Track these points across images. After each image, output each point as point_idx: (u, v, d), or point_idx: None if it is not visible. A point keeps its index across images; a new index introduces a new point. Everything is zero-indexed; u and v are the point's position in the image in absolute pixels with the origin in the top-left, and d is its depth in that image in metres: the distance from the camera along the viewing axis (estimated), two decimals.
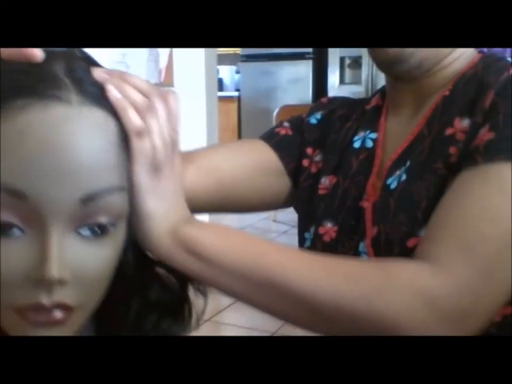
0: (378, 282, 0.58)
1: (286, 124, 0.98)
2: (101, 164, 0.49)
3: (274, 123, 4.23)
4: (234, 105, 6.34)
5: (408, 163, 0.77)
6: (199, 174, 0.84)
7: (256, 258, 0.59)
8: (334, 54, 5.69)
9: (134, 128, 0.54)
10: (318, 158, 0.93)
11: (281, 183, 0.93)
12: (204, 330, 0.64)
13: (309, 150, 0.94)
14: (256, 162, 0.92)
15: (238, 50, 6.25)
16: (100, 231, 0.51)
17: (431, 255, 0.61)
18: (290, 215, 4.82)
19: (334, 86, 5.71)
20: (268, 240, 0.63)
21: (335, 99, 1.01)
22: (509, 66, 0.75)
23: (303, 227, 0.91)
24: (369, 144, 0.86)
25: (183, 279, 0.60)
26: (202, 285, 0.61)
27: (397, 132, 0.84)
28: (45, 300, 0.47)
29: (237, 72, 6.71)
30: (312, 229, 0.88)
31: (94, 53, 0.57)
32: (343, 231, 0.82)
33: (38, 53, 0.50)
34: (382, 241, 0.75)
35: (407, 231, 0.72)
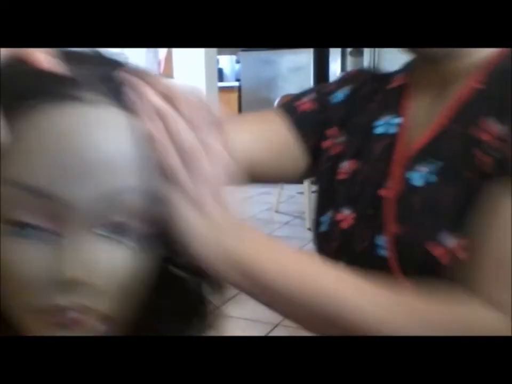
0: (453, 329, 0.57)
1: (310, 96, 0.93)
2: (119, 162, 0.48)
3: None
4: (234, 95, 6.31)
5: (438, 162, 0.74)
6: None
7: (316, 291, 0.56)
8: None
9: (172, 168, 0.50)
10: (340, 139, 0.88)
11: (299, 159, 0.90)
12: None
13: (331, 131, 0.89)
14: (273, 137, 0.89)
15: None
16: (116, 230, 0.50)
17: (494, 300, 0.60)
18: (292, 205, 4.83)
19: (336, 75, 5.59)
20: (327, 265, 0.59)
21: (360, 73, 0.96)
22: None
23: (320, 210, 0.88)
24: (392, 129, 0.82)
25: (200, 280, 0.58)
26: (218, 285, 0.59)
27: (420, 117, 0.81)
28: (62, 300, 0.47)
29: (237, 61, 6.68)
30: (329, 213, 0.85)
31: None
32: (360, 219, 0.80)
33: (45, 61, 0.49)
34: (405, 242, 0.72)
35: (432, 237, 0.69)
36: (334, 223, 0.83)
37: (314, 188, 4.17)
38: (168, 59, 3.53)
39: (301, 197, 4.06)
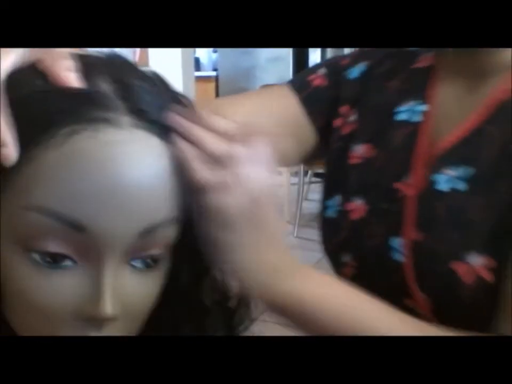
0: None
1: (323, 71, 0.87)
2: (159, 194, 0.47)
3: None
4: (212, 85, 6.26)
5: (469, 169, 0.67)
6: None
7: (359, 327, 0.53)
8: None
9: (203, 180, 0.48)
10: (353, 118, 0.82)
11: (308, 139, 0.85)
12: None
13: (344, 109, 0.84)
14: (281, 117, 0.84)
15: None
16: (151, 262, 0.49)
17: None
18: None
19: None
20: (374, 303, 0.55)
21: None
22: None
23: (326, 193, 0.84)
24: (417, 118, 0.75)
25: (226, 304, 0.58)
26: (245, 310, 0.58)
27: (449, 108, 0.73)
28: (91, 333, 0.46)
29: (214, 51, 6.61)
30: (337, 199, 0.81)
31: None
32: (373, 213, 0.76)
33: (72, 80, 0.45)
34: (426, 252, 0.68)
35: (454, 252, 0.65)
36: (343, 212, 0.79)
37: (293, 180, 4.17)
38: (144, 52, 3.47)
39: (280, 189, 4.04)
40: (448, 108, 0.74)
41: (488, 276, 0.62)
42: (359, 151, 0.80)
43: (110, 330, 0.46)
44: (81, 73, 0.47)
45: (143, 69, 0.53)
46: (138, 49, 3.52)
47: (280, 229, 0.53)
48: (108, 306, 0.45)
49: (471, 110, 0.70)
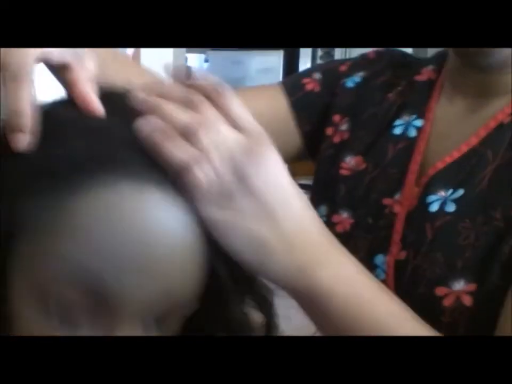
0: None
1: (317, 76, 0.86)
2: (188, 257, 0.45)
3: None
4: None
5: (460, 190, 0.66)
6: None
7: (376, 320, 0.51)
8: None
9: (179, 164, 0.44)
10: (344, 127, 0.82)
11: (292, 143, 0.84)
12: None
13: (336, 117, 0.83)
14: (267, 117, 0.79)
15: None
16: (165, 320, 0.47)
17: None
18: None
19: None
20: (394, 298, 0.54)
21: (384, 55, 0.86)
22: None
23: (313, 202, 0.79)
24: (412, 133, 0.74)
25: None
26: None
27: (448, 125, 0.73)
28: None
29: (206, 60, 6.62)
30: (323, 209, 0.79)
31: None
32: (359, 228, 0.74)
33: (97, 107, 0.44)
34: (408, 272, 0.67)
35: (440, 277, 0.64)
36: (328, 224, 0.74)
37: None
38: (136, 56, 3.48)
39: None
40: (447, 127, 0.73)
41: (468, 301, 0.62)
42: (350, 162, 0.78)
43: None
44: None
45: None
46: (130, 57, 3.54)
47: (291, 189, 0.49)
48: None
49: (471, 131, 0.69)
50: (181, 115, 0.46)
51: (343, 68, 0.86)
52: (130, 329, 0.44)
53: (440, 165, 0.69)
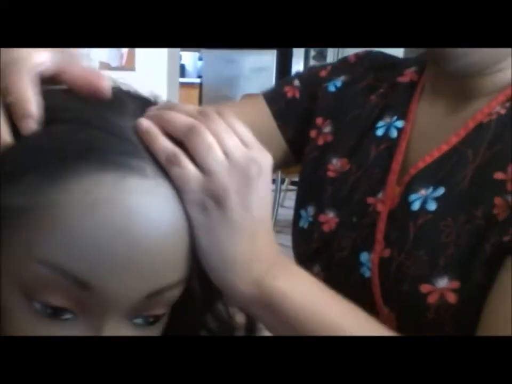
0: None
1: (297, 83, 0.87)
2: (175, 253, 0.44)
3: None
4: (195, 92, 6.28)
5: (440, 188, 0.67)
6: None
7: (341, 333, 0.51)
8: None
9: (165, 153, 0.44)
10: (327, 129, 0.82)
11: (278, 150, 0.84)
12: None
13: (319, 120, 0.83)
14: (252, 127, 0.81)
15: None
16: (153, 320, 0.46)
17: None
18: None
19: None
20: (360, 313, 0.53)
21: (365, 58, 0.86)
22: None
23: (300, 202, 0.82)
24: (394, 134, 0.75)
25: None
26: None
27: (428, 126, 0.73)
28: None
29: (200, 59, 6.64)
30: (310, 209, 0.80)
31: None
32: (343, 226, 0.74)
33: (106, 86, 0.44)
34: (393, 269, 0.67)
35: (423, 274, 0.64)
36: (315, 224, 0.78)
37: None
38: (131, 52, 3.49)
39: None
40: (428, 127, 0.73)
41: (452, 298, 0.62)
42: (337, 165, 0.79)
43: None
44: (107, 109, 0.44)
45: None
46: (125, 54, 3.54)
47: (267, 212, 0.49)
48: None
49: (451, 131, 0.69)
50: (187, 117, 0.47)
51: (323, 73, 0.86)
52: (119, 324, 0.44)
53: (421, 164, 0.70)
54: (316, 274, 0.69)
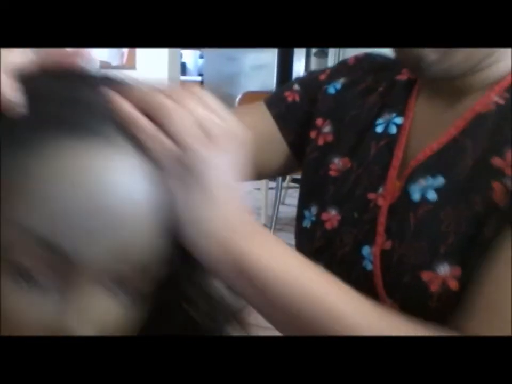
0: None
1: (296, 87, 0.89)
2: (140, 217, 0.45)
3: None
4: None
5: (439, 178, 0.68)
6: None
7: (314, 299, 0.51)
8: None
9: (140, 128, 0.46)
10: (327, 129, 0.84)
11: (280, 154, 0.87)
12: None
13: (319, 121, 0.85)
14: (254, 133, 0.82)
15: None
16: (131, 291, 0.47)
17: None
18: (249, 201, 4.81)
19: (299, 74, 5.58)
20: (331, 278, 0.54)
21: (364, 61, 0.88)
22: None
23: (303, 202, 0.84)
24: (393, 130, 0.76)
25: (216, 317, 0.56)
26: (238, 321, 0.57)
27: (427, 121, 0.74)
28: None
29: (201, 57, 6.63)
30: (313, 209, 0.81)
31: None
32: (345, 222, 0.76)
33: (79, 62, 0.46)
34: (394, 260, 0.68)
35: (424, 262, 0.65)
36: (318, 222, 0.79)
37: (271, 184, 4.17)
38: (132, 51, 3.48)
39: (258, 193, 4.04)
40: (427, 122, 0.74)
41: (453, 285, 0.63)
42: (339, 164, 0.80)
43: None
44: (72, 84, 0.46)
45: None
46: (125, 53, 3.54)
47: (240, 183, 0.51)
48: (74, 322, 0.44)
49: (450, 125, 0.70)
50: (161, 95, 0.49)
51: (322, 77, 0.89)
52: (90, 289, 0.45)
53: (421, 157, 0.71)
54: None
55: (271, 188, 4.14)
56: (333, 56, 5.43)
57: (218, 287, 0.55)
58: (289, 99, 0.88)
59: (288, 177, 4.43)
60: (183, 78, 4.72)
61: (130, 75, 0.53)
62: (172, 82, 3.51)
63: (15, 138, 0.43)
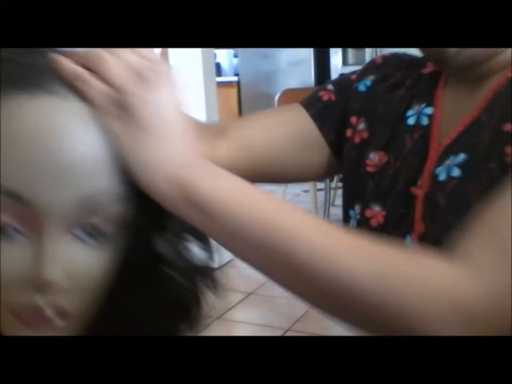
0: (409, 274, 0.52)
1: (330, 87, 0.92)
2: (94, 163, 0.48)
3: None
4: (233, 90, 6.25)
5: (461, 154, 0.71)
6: (231, 148, 0.81)
7: (267, 221, 0.52)
8: None
9: (75, 75, 0.50)
10: (361, 126, 0.86)
11: (321, 154, 0.90)
12: (215, 328, 0.61)
13: (353, 119, 0.88)
14: (293, 133, 0.88)
15: None
16: (97, 234, 0.50)
17: (469, 255, 0.55)
18: (298, 204, 4.79)
19: (337, 68, 5.57)
20: (279, 200, 0.57)
21: (391, 59, 0.92)
22: None
23: (348, 203, 0.87)
24: (425, 121, 0.79)
25: (192, 276, 0.58)
26: (213, 281, 0.59)
27: (454, 109, 0.77)
28: (39, 301, 0.48)
29: (235, 56, 6.60)
30: (357, 208, 0.84)
31: None
32: (391, 218, 0.78)
33: None
34: (430, 240, 0.71)
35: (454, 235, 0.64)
36: (363, 220, 0.81)
37: (319, 185, 4.15)
38: (164, 54, 3.46)
39: (306, 195, 4.04)
40: (453, 109, 0.77)
41: None
42: (375, 159, 0.82)
43: (57, 298, 0.48)
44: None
45: None
46: (158, 55, 3.53)
47: (177, 116, 0.53)
48: (47, 270, 0.47)
49: (472, 107, 0.74)
50: (91, 50, 0.52)
51: (353, 77, 0.92)
52: (59, 237, 0.48)
53: (447, 141, 0.74)
54: None
55: (320, 190, 4.13)
56: (370, 50, 5.35)
57: (190, 247, 0.58)
58: (325, 98, 0.91)
59: (336, 178, 4.39)
60: (219, 79, 4.68)
61: None
62: (207, 84, 3.48)
63: None
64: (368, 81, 0.89)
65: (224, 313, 2.64)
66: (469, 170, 0.69)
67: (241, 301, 2.80)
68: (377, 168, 0.82)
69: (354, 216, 0.84)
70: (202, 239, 0.57)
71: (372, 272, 0.51)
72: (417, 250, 0.57)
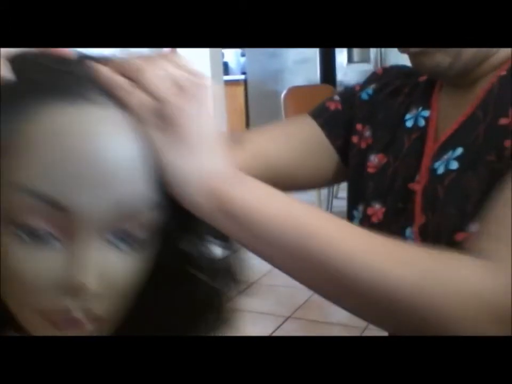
0: (444, 277, 0.54)
1: (337, 98, 0.96)
2: (132, 169, 0.49)
3: (282, 105, 4.21)
4: (241, 89, 6.27)
5: (458, 149, 0.74)
6: (245, 157, 0.82)
7: (301, 230, 0.53)
8: None
9: (119, 87, 0.50)
10: (367, 133, 0.90)
11: (330, 161, 0.93)
12: None
13: (359, 126, 0.92)
14: (303, 142, 0.91)
15: None
16: (130, 240, 0.51)
17: (486, 252, 0.56)
18: None
19: (342, 65, 5.61)
20: (313, 207, 0.57)
21: (391, 70, 0.97)
22: None
23: (352, 204, 0.90)
24: (422, 123, 0.83)
25: (216, 275, 0.58)
26: (235, 279, 0.60)
27: (449, 111, 0.81)
28: (71, 305, 0.48)
29: (242, 55, 6.63)
30: (360, 208, 0.87)
31: None
32: (390, 213, 0.81)
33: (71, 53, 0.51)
34: (430, 231, 0.73)
35: (456, 224, 0.69)
36: (365, 217, 0.84)
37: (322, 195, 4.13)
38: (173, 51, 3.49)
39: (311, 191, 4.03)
40: (449, 111, 0.80)
41: None
42: (375, 161, 0.86)
43: (89, 304, 0.49)
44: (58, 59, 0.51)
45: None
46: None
47: (214, 130, 0.54)
48: (81, 276, 0.47)
49: (467, 107, 0.76)
50: (134, 61, 0.52)
51: (357, 87, 0.96)
52: (93, 242, 0.48)
53: (443, 138, 0.77)
54: None
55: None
56: (375, 50, 5.36)
57: (214, 250, 0.58)
58: (332, 107, 0.95)
59: None
60: (226, 77, 4.72)
61: None
62: (215, 82, 3.51)
63: (10, 106, 0.47)
64: (370, 89, 0.93)
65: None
66: (467, 163, 0.72)
67: (243, 290, 2.86)
68: (377, 169, 0.85)
69: (357, 215, 0.87)
70: (223, 237, 0.58)
71: (410, 277, 0.52)
72: (443, 251, 0.57)
